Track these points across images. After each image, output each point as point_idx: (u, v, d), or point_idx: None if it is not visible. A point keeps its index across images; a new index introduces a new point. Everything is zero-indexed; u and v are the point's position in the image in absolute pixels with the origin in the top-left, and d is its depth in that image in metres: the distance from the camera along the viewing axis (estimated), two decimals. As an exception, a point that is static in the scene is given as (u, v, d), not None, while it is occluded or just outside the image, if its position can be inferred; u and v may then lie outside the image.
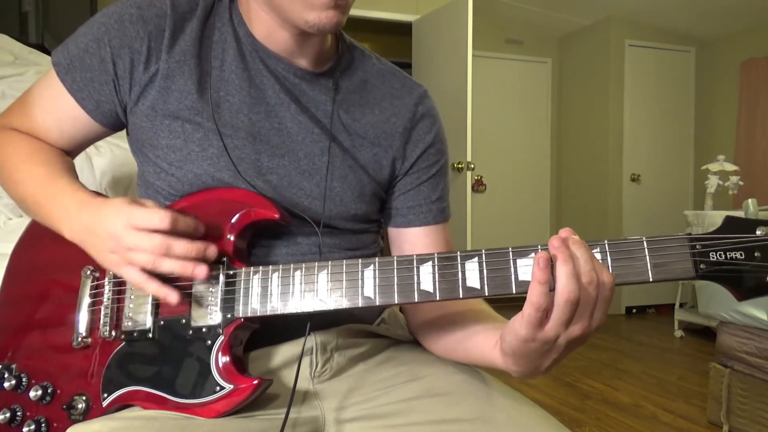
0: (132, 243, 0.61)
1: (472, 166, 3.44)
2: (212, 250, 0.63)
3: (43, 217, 0.72)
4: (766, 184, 4.35)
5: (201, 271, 0.62)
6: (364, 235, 0.81)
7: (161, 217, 0.60)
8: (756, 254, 0.54)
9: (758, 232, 0.54)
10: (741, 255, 0.54)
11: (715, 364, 2.21)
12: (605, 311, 0.55)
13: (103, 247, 0.63)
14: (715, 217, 3.32)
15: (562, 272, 0.53)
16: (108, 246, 0.63)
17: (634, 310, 4.79)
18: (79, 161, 1.21)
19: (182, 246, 0.61)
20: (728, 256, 0.54)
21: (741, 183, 3.78)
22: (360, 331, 0.79)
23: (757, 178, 4.38)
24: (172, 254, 0.61)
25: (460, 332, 0.72)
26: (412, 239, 0.83)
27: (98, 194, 0.77)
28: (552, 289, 0.53)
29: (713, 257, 0.55)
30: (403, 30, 4.17)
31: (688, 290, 4.16)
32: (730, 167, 3.76)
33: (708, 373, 2.24)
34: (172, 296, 0.62)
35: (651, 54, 4.95)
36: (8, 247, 0.81)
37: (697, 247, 0.55)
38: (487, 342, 0.66)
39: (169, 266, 0.61)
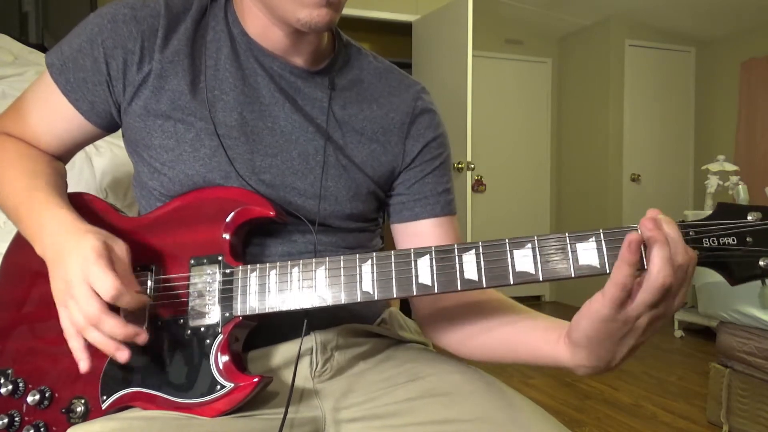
0: (75, 295, 0.59)
1: (472, 166, 3.44)
2: (143, 338, 0.61)
3: (21, 229, 0.71)
4: (766, 184, 4.35)
5: (122, 355, 0.60)
6: (361, 234, 0.81)
7: (105, 289, 0.58)
8: (748, 239, 0.55)
9: (749, 218, 0.55)
10: (733, 240, 0.55)
11: (715, 364, 2.21)
12: (688, 290, 0.56)
13: (56, 279, 0.62)
14: (715, 218, 3.32)
15: (658, 257, 0.52)
16: (59, 283, 0.62)
17: (634, 310, 4.78)
18: (79, 161, 1.21)
19: (111, 326, 0.59)
20: (721, 241, 0.55)
21: (741, 183, 3.78)
22: (360, 330, 0.79)
23: (757, 178, 4.38)
24: (100, 329, 0.59)
25: (480, 323, 0.71)
26: (422, 231, 0.81)
27: (83, 195, 0.77)
28: (640, 268, 0.53)
29: (706, 243, 0.56)
30: (403, 30, 4.17)
31: (688, 290, 4.16)
32: (730, 167, 3.75)
33: (708, 373, 2.24)
34: (82, 364, 0.61)
35: (651, 54, 4.95)
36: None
37: (691, 233, 0.56)
38: (546, 338, 0.65)
39: (93, 338, 0.60)
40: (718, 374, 2.18)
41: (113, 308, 0.60)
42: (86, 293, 0.59)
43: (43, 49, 1.71)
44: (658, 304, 0.54)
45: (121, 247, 0.63)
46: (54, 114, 0.75)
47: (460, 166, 3.44)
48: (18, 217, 0.71)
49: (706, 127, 5.01)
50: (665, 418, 2.44)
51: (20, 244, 0.78)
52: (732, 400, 2.13)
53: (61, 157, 0.80)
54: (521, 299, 4.50)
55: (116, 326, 0.59)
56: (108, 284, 0.58)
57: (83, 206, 0.73)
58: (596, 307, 0.56)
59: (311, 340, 0.73)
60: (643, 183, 4.91)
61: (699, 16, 4.54)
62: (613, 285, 0.54)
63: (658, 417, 2.45)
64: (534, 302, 5.22)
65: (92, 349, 0.68)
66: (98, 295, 0.59)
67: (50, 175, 0.74)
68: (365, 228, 0.81)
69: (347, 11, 0.73)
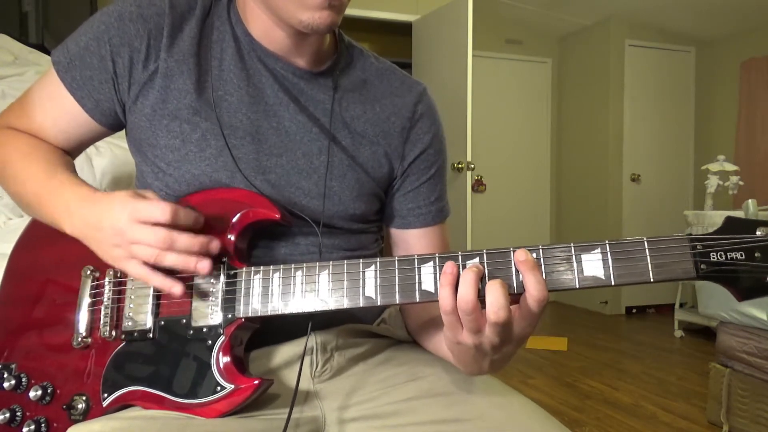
0: (136, 237, 0.60)
1: (472, 166, 3.44)
2: (215, 244, 0.63)
3: (42, 214, 0.71)
4: (766, 184, 4.35)
5: (204, 265, 0.62)
6: (363, 235, 0.81)
7: (162, 209, 0.60)
8: (756, 255, 0.54)
9: (758, 233, 0.54)
10: (741, 255, 0.54)
11: (715, 364, 2.21)
12: (530, 325, 0.57)
13: (106, 241, 0.63)
14: (715, 217, 3.32)
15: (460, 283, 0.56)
16: (112, 240, 0.62)
17: (634, 310, 4.79)
18: (79, 161, 1.21)
19: (185, 240, 0.60)
20: (729, 256, 0.54)
21: (741, 183, 3.78)
22: (360, 331, 0.79)
23: (757, 178, 4.38)
24: (175, 248, 0.60)
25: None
26: (410, 240, 0.83)
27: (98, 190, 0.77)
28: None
29: (714, 258, 0.55)
30: (403, 30, 4.17)
31: (688, 290, 4.16)
32: (730, 167, 3.75)
33: (708, 373, 2.25)
34: (176, 288, 0.62)
35: (651, 54, 4.94)
36: (8, 248, 0.81)
37: (698, 247, 0.55)
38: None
39: (172, 260, 0.61)
40: (718, 374, 2.18)
41: None
42: (145, 228, 0.60)
43: (43, 49, 1.71)
44: (480, 330, 0.57)
45: (150, 191, 0.65)
46: (59, 111, 0.75)
47: (460, 166, 3.44)
48: (39, 202, 0.71)
49: (706, 127, 5.01)
50: (665, 418, 2.44)
51: (27, 243, 0.79)
52: (732, 400, 2.13)
53: (68, 153, 0.80)
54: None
55: (189, 238, 0.61)
56: (161, 207, 0.60)
57: None
58: (444, 329, 0.60)
59: (311, 341, 0.73)
60: (643, 183, 4.91)
61: (699, 16, 4.54)
62: (441, 311, 0.57)
63: (658, 417, 2.45)
64: (534, 302, 5.20)
65: (102, 345, 0.69)
66: (155, 222, 0.60)
67: (64, 162, 0.75)
68: (367, 229, 0.82)
69: (347, 11, 0.73)
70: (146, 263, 0.61)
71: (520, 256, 0.56)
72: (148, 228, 0.60)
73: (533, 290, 0.55)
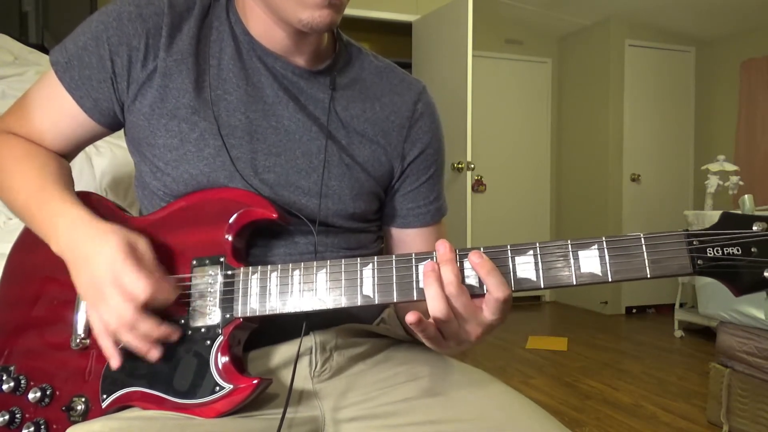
0: (108, 299, 0.61)
1: (472, 166, 3.44)
2: (177, 336, 0.64)
3: (32, 226, 0.71)
4: (766, 184, 4.35)
5: (155, 354, 0.63)
6: (362, 234, 0.81)
7: (141, 290, 0.59)
8: (753, 250, 0.54)
9: (755, 228, 0.55)
10: (738, 251, 0.54)
11: (715, 364, 2.21)
12: (499, 313, 0.59)
13: (83, 280, 0.63)
14: (714, 218, 3.30)
15: (428, 292, 0.59)
16: (86, 284, 0.63)
17: (634, 310, 4.79)
18: (79, 161, 1.21)
19: (147, 327, 0.61)
20: (725, 251, 0.55)
21: (741, 183, 3.78)
22: (360, 330, 0.79)
23: (757, 178, 4.38)
24: (135, 331, 0.61)
25: None
26: (409, 239, 0.84)
27: (90, 194, 0.77)
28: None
29: (710, 253, 0.55)
30: (403, 30, 4.17)
31: (688, 290, 4.16)
32: (730, 167, 3.75)
33: (708, 373, 2.24)
34: (114, 362, 0.63)
35: (651, 54, 4.94)
36: (8, 248, 0.80)
37: (695, 243, 0.55)
38: None
39: (127, 339, 0.62)
40: (718, 374, 2.18)
41: None
42: (118, 296, 0.60)
43: (43, 49, 1.71)
44: (446, 325, 0.59)
45: (143, 244, 0.64)
46: (58, 112, 0.75)
47: (460, 166, 3.44)
48: (29, 214, 0.71)
49: (706, 127, 5.01)
50: (665, 418, 2.44)
51: (25, 245, 0.78)
52: (732, 400, 2.13)
53: (66, 155, 0.80)
54: (521, 300, 4.44)
55: (152, 328, 0.61)
56: (142, 286, 0.60)
57: (90, 206, 0.73)
58: None
59: (310, 341, 0.73)
60: (643, 183, 4.91)
61: (699, 16, 4.53)
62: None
63: (658, 417, 2.45)
64: (534, 302, 5.22)
65: (97, 350, 0.69)
66: (130, 298, 0.60)
67: (59, 172, 0.74)
68: (366, 228, 0.82)
69: (347, 11, 0.73)
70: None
71: (474, 259, 0.58)
72: (122, 299, 0.60)
73: (495, 291, 0.57)
